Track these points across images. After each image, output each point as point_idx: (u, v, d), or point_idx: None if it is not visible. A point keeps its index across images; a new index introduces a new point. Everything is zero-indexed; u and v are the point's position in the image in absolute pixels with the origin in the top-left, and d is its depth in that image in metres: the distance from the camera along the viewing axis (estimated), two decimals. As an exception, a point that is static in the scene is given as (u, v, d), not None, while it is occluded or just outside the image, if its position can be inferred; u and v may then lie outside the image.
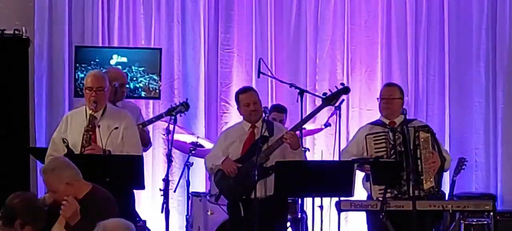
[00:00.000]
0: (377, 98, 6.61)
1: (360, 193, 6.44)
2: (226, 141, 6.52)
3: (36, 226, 4.65)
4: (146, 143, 6.76)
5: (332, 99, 6.52)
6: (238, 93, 6.61)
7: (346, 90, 6.58)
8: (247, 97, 6.50)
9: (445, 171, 6.59)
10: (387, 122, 6.45)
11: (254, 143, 6.36)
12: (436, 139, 6.40)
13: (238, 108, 6.60)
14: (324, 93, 6.56)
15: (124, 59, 7.99)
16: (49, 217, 4.80)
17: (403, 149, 6.22)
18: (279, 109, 7.79)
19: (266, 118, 6.44)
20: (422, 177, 6.19)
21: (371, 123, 6.64)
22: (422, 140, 6.23)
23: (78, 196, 4.91)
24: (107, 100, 6.18)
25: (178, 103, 6.95)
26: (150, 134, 7.32)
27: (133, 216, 6.65)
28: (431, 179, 6.21)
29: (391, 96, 6.48)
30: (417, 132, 6.26)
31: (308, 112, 6.80)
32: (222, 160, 6.32)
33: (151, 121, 6.80)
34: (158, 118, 6.84)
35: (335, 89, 6.52)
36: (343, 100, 6.89)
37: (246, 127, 6.51)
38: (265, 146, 6.31)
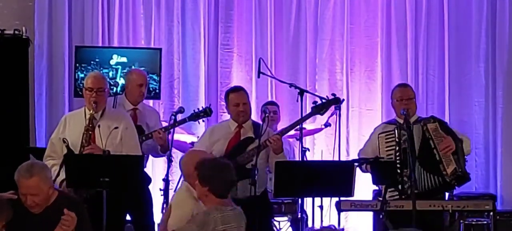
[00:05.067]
0: (392, 99, 6.64)
1: (360, 193, 6.45)
2: (211, 138, 6.52)
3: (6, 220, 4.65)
4: (167, 148, 6.74)
5: (321, 108, 6.57)
6: (228, 92, 6.62)
7: (336, 101, 6.64)
8: (237, 97, 6.50)
9: (466, 154, 6.55)
10: (401, 121, 6.48)
11: (239, 143, 6.38)
12: (447, 126, 6.45)
13: (226, 107, 6.61)
14: (314, 102, 6.59)
15: (124, 59, 7.99)
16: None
17: (407, 146, 6.24)
18: (270, 104, 7.83)
19: (266, 117, 6.44)
20: (442, 165, 6.23)
21: (386, 122, 6.73)
22: (431, 130, 6.28)
23: (51, 200, 4.88)
24: (106, 101, 6.19)
25: (201, 109, 6.92)
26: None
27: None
28: (452, 162, 6.24)
29: (409, 97, 6.54)
30: (425, 125, 6.32)
31: (307, 113, 6.81)
32: None
33: (173, 126, 6.77)
34: (181, 123, 6.81)
35: (326, 99, 6.57)
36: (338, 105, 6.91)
37: (232, 126, 6.51)
38: (250, 147, 6.32)
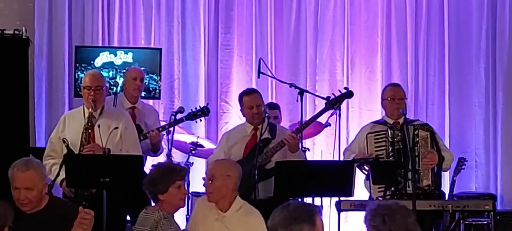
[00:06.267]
0: (383, 99, 6.64)
1: (360, 193, 6.45)
2: (228, 143, 6.53)
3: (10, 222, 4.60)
4: (158, 148, 6.75)
5: (335, 103, 6.57)
6: (242, 95, 6.62)
7: (349, 94, 6.63)
8: (251, 100, 6.51)
9: (444, 171, 6.62)
10: (391, 121, 6.47)
11: (256, 145, 6.37)
12: (436, 137, 6.43)
13: (241, 110, 6.61)
14: (328, 97, 6.58)
15: (129, 58, 7.99)
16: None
17: (401, 147, 6.25)
18: (271, 106, 7.79)
19: (266, 117, 6.45)
20: (418, 175, 6.23)
21: (374, 122, 6.71)
22: (421, 138, 6.27)
23: (43, 203, 4.82)
24: (105, 99, 6.18)
25: (198, 108, 6.92)
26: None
27: None
28: (428, 177, 6.24)
29: (402, 97, 6.54)
30: (417, 130, 6.32)
31: (307, 113, 6.81)
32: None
33: (170, 125, 6.77)
34: (178, 122, 6.80)
35: (339, 93, 6.56)
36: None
37: (248, 129, 6.52)
38: (267, 148, 6.32)
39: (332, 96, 6.56)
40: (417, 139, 6.30)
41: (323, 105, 6.68)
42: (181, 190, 4.95)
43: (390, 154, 6.31)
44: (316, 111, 6.80)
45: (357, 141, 6.63)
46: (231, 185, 5.14)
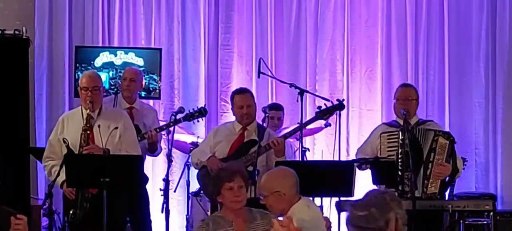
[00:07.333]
0: (393, 99, 6.65)
1: (360, 193, 6.43)
2: (215, 138, 6.53)
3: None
4: (155, 148, 6.76)
5: (325, 113, 6.57)
6: (233, 94, 6.62)
7: (341, 106, 6.64)
8: (241, 100, 6.50)
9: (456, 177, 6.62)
10: (401, 122, 6.46)
11: (242, 145, 6.37)
12: (454, 148, 6.40)
13: (231, 108, 6.61)
14: (319, 107, 6.59)
15: (130, 58, 7.99)
16: None
17: (409, 149, 6.22)
18: (276, 107, 7.79)
19: (266, 117, 6.45)
20: (427, 181, 6.21)
21: (386, 123, 6.72)
22: (439, 145, 6.24)
23: None
24: (102, 99, 6.18)
25: (196, 109, 6.91)
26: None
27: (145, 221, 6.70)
28: (437, 185, 6.23)
29: (409, 97, 6.50)
30: (437, 136, 6.26)
31: (307, 113, 6.82)
32: (208, 157, 6.33)
33: (168, 126, 6.78)
34: (176, 123, 6.80)
35: (331, 104, 6.57)
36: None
37: (237, 128, 6.51)
38: (253, 149, 6.31)
39: (324, 107, 6.57)
40: (435, 145, 6.26)
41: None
42: (232, 192, 4.84)
43: (400, 156, 6.28)
44: (306, 120, 6.78)
45: (369, 141, 6.61)
46: (282, 199, 4.87)
